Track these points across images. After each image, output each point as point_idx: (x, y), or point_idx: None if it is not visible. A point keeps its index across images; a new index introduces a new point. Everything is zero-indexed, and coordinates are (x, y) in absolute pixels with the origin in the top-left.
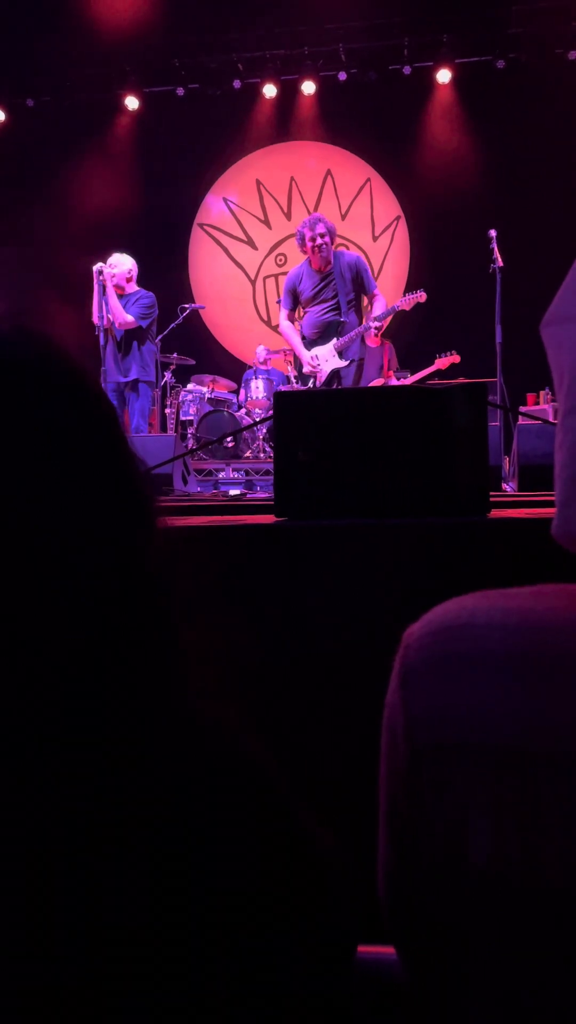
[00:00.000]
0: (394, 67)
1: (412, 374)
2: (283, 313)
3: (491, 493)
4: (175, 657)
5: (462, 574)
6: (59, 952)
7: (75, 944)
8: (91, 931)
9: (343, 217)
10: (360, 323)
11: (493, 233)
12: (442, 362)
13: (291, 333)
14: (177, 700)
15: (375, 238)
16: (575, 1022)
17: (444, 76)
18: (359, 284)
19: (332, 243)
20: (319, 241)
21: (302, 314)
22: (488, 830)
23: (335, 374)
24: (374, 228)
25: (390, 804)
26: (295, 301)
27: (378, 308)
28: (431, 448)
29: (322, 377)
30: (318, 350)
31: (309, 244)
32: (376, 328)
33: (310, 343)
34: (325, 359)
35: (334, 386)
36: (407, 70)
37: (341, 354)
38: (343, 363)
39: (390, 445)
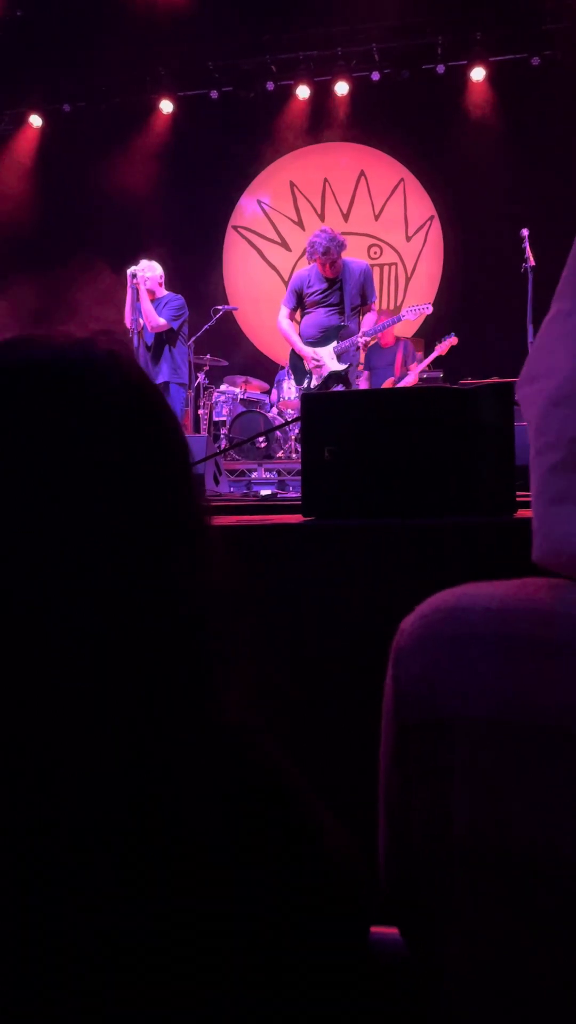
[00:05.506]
0: (427, 66)
1: (432, 369)
2: (284, 311)
3: (519, 493)
4: (210, 664)
5: (487, 573)
6: (92, 947)
7: (107, 938)
8: (125, 925)
9: (376, 218)
10: (360, 330)
11: (525, 233)
12: (442, 347)
13: (291, 331)
14: (208, 705)
15: (408, 238)
16: (549, 984)
17: (478, 74)
18: (363, 293)
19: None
20: (334, 266)
21: (302, 315)
22: (467, 800)
23: (336, 376)
24: (407, 228)
25: (386, 783)
26: (299, 302)
27: (368, 323)
28: (457, 448)
29: (322, 374)
30: (319, 350)
31: (321, 258)
32: (364, 343)
33: (312, 343)
34: (323, 360)
35: (337, 387)
36: (441, 69)
37: (339, 357)
38: (341, 367)
39: (416, 445)
